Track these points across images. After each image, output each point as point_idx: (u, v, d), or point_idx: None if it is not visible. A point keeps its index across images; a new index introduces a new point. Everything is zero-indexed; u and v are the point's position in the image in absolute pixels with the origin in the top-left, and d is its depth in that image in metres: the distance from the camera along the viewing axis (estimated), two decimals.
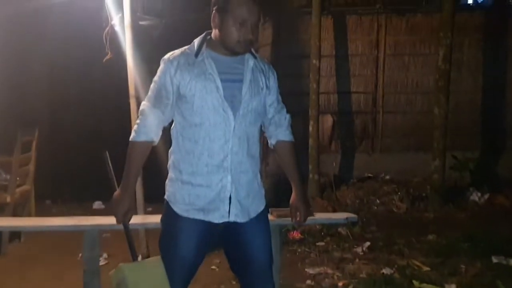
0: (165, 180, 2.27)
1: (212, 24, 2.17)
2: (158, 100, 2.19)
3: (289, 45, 7.57)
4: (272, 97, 2.32)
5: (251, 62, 2.23)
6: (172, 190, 2.23)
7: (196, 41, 2.22)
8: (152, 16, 6.80)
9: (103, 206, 6.38)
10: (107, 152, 2.37)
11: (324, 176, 6.94)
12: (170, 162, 2.27)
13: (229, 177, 2.16)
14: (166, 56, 2.21)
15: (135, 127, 2.20)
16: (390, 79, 7.76)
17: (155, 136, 2.22)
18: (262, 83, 2.25)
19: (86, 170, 6.14)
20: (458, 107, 7.38)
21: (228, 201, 2.16)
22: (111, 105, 5.71)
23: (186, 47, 2.23)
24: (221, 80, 2.13)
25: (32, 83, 6.65)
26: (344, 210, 5.85)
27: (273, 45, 7.64)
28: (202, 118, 2.14)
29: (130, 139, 2.21)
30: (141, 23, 6.23)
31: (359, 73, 7.77)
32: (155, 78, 2.22)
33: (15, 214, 4.81)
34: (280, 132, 2.38)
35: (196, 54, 2.17)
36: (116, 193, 2.18)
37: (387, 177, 7.33)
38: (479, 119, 7.74)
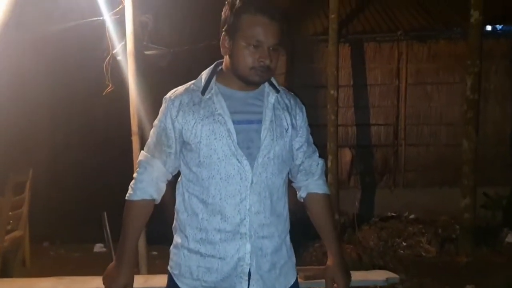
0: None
1: (221, 50, 1.76)
2: (158, 149, 1.78)
3: (304, 74, 7.24)
4: (300, 139, 1.88)
5: (272, 97, 1.80)
6: (176, 260, 1.79)
7: (204, 74, 1.80)
8: (160, 46, 6.44)
9: (104, 249, 5.94)
10: (105, 213, 1.99)
11: (343, 214, 6.48)
12: (174, 223, 1.85)
13: (247, 246, 1.71)
14: (168, 94, 1.80)
15: (131, 182, 1.80)
16: (412, 110, 7.35)
17: (156, 192, 1.80)
18: (287, 123, 1.81)
19: (86, 210, 5.74)
20: (486, 139, 6.94)
21: (247, 277, 1.71)
22: (113, 142, 5.34)
23: (191, 82, 1.81)
24: (234, 122, 1.70)
25: (28, 119, 6.32)
26: (370, 255, 5.36)
27: (286, 75, 7.29)
28: (211, 171, 1.70)
29: (126, 197, 1.80)
30: (147, 52, 5.86)
31: (379, 103, 7.37)
32: (155, 121, 1.81)
33: (5, 262, 4.45)
34: (312, 182, 1.93)
35: (203, 91, 1.75)
36: (111, 265, 1.78)
37: (412, 215, 6.86)
38: (510, 152, 7.26)
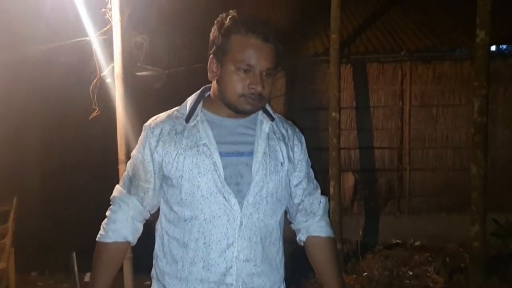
0: None
1: (209, 75, 1.54)
2: (134, 184, 1.57)
3: (304, 96, 7.01)
4: (299, 174, 1.65)
5: (266, 125, 1.58)
6: None
7: (189, 100, 1.59)
8: (155, 67, 6.25)
9: None
10: (74, 254, 1.79)
11: (346, 242, 6.20)
12: (153, 270, 1.62)
13: None
14: (148, 122, 1.59)
15: (104, 221, 1.58)
16: (417, 133, 7.12)
17: (131, 234, 1.58)
18: (283, 156, 1.59)
19: (76, 239, 5.52)
20: (494, 163, 6.69)
21: None
22: (104, 169, 5.14)
23: (175, 108, 1.60)
24: (221, 154, 1.49)
25: (12, 145, 6.12)
26: (375, 287, 5.07)
27: (286, 97, 7.09)
28: (194, 210, 1.48)
29: (97, 238, 1.59)
30: (139, 73, 5.67)
31: (382, 126, 7.14)
32: (133, 151, 1.60)
33: None
34: (313, 223, 1.69)
35: (188, 118, 1.54)
36: None
37: (417, 243, 6.59)
38: None
